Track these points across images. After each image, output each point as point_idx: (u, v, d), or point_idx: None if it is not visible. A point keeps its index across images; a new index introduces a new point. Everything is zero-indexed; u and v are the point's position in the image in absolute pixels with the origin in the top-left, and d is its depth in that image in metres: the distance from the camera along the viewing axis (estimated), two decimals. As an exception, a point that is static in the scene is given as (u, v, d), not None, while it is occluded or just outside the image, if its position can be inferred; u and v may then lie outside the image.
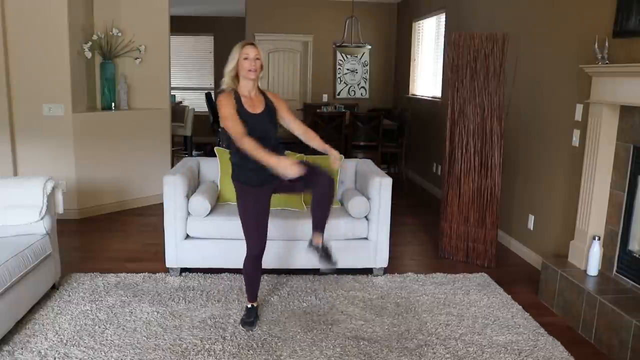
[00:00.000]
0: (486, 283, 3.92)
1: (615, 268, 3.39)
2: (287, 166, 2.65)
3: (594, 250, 3.38)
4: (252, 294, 3.22)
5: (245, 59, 2.85)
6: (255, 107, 2.92)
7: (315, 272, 3.92)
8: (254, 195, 2.96)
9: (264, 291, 3.65)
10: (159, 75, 5.88)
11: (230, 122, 2.80)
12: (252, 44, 2.92)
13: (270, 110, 2.97)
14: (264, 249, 3.08)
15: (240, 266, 3.82)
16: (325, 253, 3.03)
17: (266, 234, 3.07)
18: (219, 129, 3.07)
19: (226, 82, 2.91)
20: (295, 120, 3.11)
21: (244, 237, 3.06)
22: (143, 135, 5.71)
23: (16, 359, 2.75)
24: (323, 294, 3.64)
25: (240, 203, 3.01)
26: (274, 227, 3.65)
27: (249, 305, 3.22)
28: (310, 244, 3.07)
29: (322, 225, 3.02)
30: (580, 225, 3.60)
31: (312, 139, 3.09)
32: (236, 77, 2.90)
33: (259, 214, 3.00)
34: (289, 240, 3.83)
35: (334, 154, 3.03)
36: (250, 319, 3.16)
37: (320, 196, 2.96)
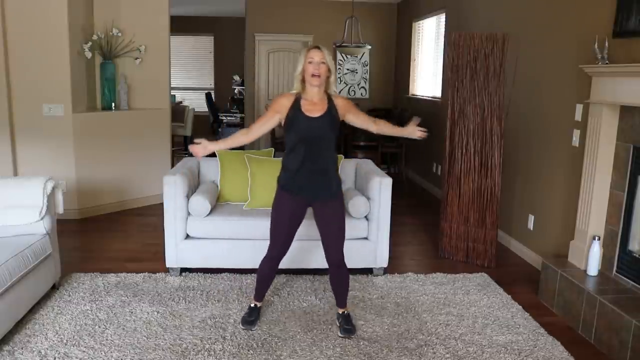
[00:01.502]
0: (486, 283, 3.92)
1: (615, 268, 3.39)
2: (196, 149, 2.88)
3: (594, 250, 3.38)
4: (259, 294, 3.22)
5: (310, 62, 2.82)
6: (315, 111, 2.87)
7: (315, 272, 3.92)
8: (289, 201, 2.96)
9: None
10: (159, 75, 5.89)
11: (262, 115, 3.00)
12: (318, 47, 2.86)
13: (331, 115, 2.88)
14: (284, 254, 3.09)
15: (240, 266, 3.86)
16: (346, 320, 3.14)
17: (290, 242, 3.07)
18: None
19: (295, 86, 2.93)
20: (363, 115, 3.11)
21: (267, 237, 3.07)
22: (143, 135, 5.71)
23: (16, 359, 2.75)
24: (323, 294, 3.64)
25: (274, 204, 3.01)
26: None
27: (252, 305, 3.22)
28: (337, 318, 3.21)
29: (343, 301, 3.19)
30: (580, 225, 3.60)
31: (383, 127, 3.12)
32: (303, 81, 2.88)
33: (288, 222, 3.00)
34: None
35: (408, 132, 3.10)
36: (251, 318, 3.16)
37: (331, 277, 3.15)
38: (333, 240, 3.02)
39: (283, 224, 3.00)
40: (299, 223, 3.04)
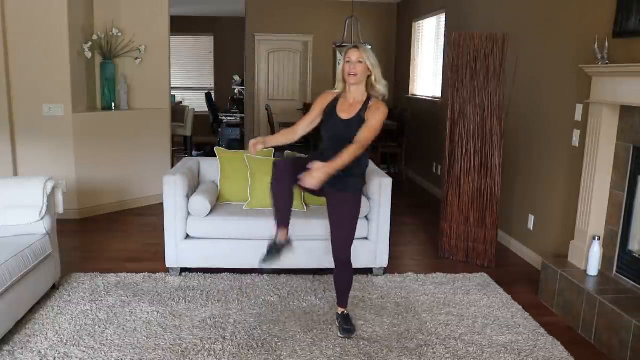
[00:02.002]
0: (486, 283, 3.92)
1: (615, 268, 3.39)
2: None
3: (594, 250, 3.38)
4: (279, 216, 2.86)
5: (347, 62, 2.82)
6: (348, 112, 2.86)
7: (315, 272, 3.92)
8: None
9: (264, 291, 3.65)
10: (159, 75, 5.88)
11: (307, 113, 3.02)
12: (357, 46, 2.85)
13: (359, 119, 2.83)
14: (286, 174, 2.79)
15: (240, 266, 3.86)
16: (345, 320, 3.13)
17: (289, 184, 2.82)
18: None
19: (338, 86, 2.95)
20: (364, 129, 2.82)
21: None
22: (143, 135, 5.71)
23: (16, 359, 2.75)
24: (323, 294, 3.64)
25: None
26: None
27: (272, 238, 2.92)
28: (336, 318, 3.20)
29: (344, 301, 3.18)
30: (580, 225, 3.60)
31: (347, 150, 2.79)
32: (344, 80, 2.88)
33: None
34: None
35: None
36: (271, 254, 2.90)
37: (335, 276, 3.14)
38: (343, 236, 2.99)
39: (282, 168, 2.79)
40: (291, 184, 2.78)
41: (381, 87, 2.87)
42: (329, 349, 2.94)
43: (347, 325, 3.10)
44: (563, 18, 4.01)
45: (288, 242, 2.95)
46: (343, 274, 3.12)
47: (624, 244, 3.34)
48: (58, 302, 3.39)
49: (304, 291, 3.68)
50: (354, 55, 2.82)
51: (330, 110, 2.92)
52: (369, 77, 2.86)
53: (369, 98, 2.89)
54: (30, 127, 5.04)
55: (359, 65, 2.81)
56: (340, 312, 3.18)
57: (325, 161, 2.71)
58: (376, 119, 2.83)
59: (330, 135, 2.92)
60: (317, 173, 2.61)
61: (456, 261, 4.42)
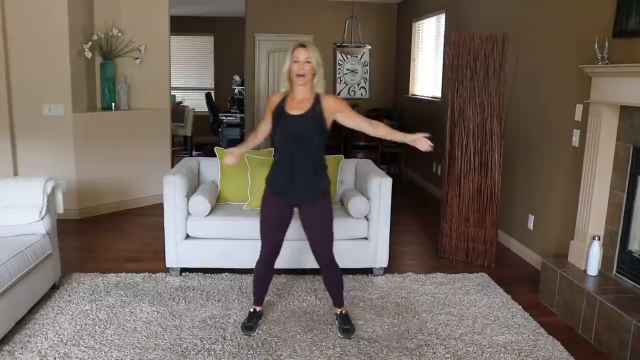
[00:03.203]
0: (486, 283, 3.92)
1: (615, 268, 3.39)
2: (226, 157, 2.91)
3: (594, 250, 3.38)
4: (258, 297, 3.18)
5: (295, 62, 2.79)
6: (298, 109, 2.82)
7: (315, 272, 3.92)
8: (275, 202, 2.94)
9: (264, 291, 3.65)
10: (159, 75, 5.89)
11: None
12: (304, 45, 2.81)
13: (314, 114, 2.81)
14: (276, 254, 3.07)
15: (240, 266, 3.86)
16: (344, 320, 3.12)
17: (280, 243, 3.05)
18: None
19: (283, 85, 2.90)
20: (356, 116, 2.97)
21: (259, 237, 3.06)
22: (143, 135, 5.71)
23: (16, 359, 2.75)
24: (323, 294, 3.64)
25: (261, 204, 3.01)
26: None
27: (252, 309, 3.19)
28: (336, 318, 3.19)
29: (339, 301, 3.16)
30: (580, 225, 3.60)
31: (382, 130, 2.98)
32: (290, 79, 2.85)
33: (275, 223, 2.98)
34: (289, 241, 3.81)
35: (412, 138, 2.89)
36: (250, 323, 3.11)
37: (324, 278, 3.14)
38: (319, 242, 2.99)
39: (270, 224, 2.98)
40: (286, 223, 3.01)
41: (321, 87, 2.87)
42: (329, 349, 2.94)
43: (346, 325, 3.09)
44: (563, 18, 4.01)
45: (262, 311, 3.25)
46: (333, 276, 3.09)
47: (624, 244, 3.34)
48: (58, 302, 3.39)
49: (304, 291, 3.68)
50: (302, 54, 2.77)
51: (279, 111, 2.86)
52: (313, 76, 2.82)
53: (317, 95, 2.87)
54: (30, 127, 5.04)
55: (307, 65, 2.78)
56: (338, 312, 3.17)
57: (283, 172, 2.86)
58: (348, 106, 2.96)
59: (283, 134, 2.85)
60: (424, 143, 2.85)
61: (456, 261, 4.42)
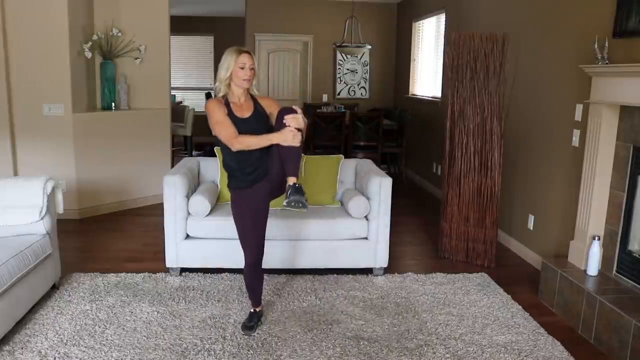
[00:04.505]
0: (486, 283, 3.92)
1: (615, 268, 3.39)
2: (290, 136, 2.75)
3: (593, 250, 3.38)
4: (254, 300, 3.20)
5: (242, 68, 2.85)
6: (244, 111, 2.92)
7: (315, 272, 3.92)
8: (248, 197, 2.95)
9: (264, 291, 3.64)
10: (159, 75, 5.88)
11: (221, 126, 2.84)
12: (248, 52, 2.90)
13: (259, 114, 2.96)
14: (261, 255, 3.08)
15: (241, 266, 3.84)
16: (296, 189, 2.81)
17: (263, 241, 3.06)
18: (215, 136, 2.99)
19: (222, 89, 2.91)
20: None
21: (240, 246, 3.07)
22: (143, 135, 5.71)
23: (16, 359, 2.75)
24: (323, 294, 3.64)
25: (235, 210, 3.01)
26: (275, 226, 3.65)
27: (252, 310, 3.21)
28: (286, 190, 2.86)
29: (295, 172, 2.87)
30: (580, 225, 3.60)
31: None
32: (230, 84, 2.91)
33: (254, 218, 2.98)
34: (289, 240, 3.83)
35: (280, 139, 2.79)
36: (251, 323, 3.13)
37: (288, 153, 2.82)
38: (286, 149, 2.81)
39: (250, 223, 2.98)
40: (264, 216, 3.03)
41: (255, 89, 3.00)
42: (329, 349, 2.94)
43: (298, 194, 2.79)
44: (563, 18, 4.01)
45: (262, 311, 3.27)
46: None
47: (624, 244, 3.34)
48: (58, 302, 3.39)
49: (304, 291, 3.68)
50: (248, 61, 2.86)
51: (231, 116, 2.88)
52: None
53: (252, 96, 2.99)
54: (30, 127, 5.04)
55: (251, 71, 2.87)
56: (291, 183, 2.81)
57: (247, 176, 2.90)
58: (277, 105, 2.99)
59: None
60: (294, 137, 2.76)
61: (456, 261, 4.42)
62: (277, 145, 2.82)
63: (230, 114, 2.89)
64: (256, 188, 2.95)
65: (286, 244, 3.83)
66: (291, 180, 2.87)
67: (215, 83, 2.97)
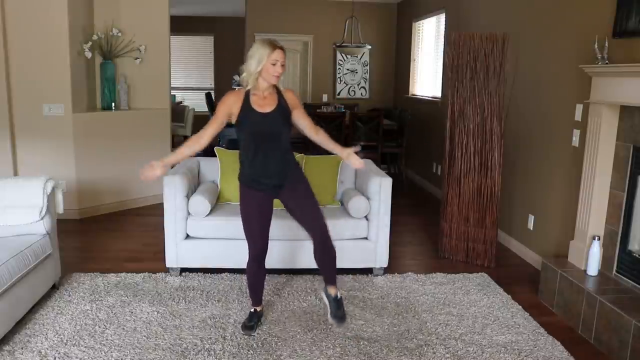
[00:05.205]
0: (486, 283, 3.92)
1: (615, 268, 3.39)
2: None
3: (593, 250, 3.38)
4: (255, 298, 3.19)
5: (273, 64, 2.77)
6: (266, 106, 2.83)
7: (315, 272, 3.92)
8: (255, 197, 2.94)
9: (264, 291, 3.63)
10: (159, 75, 5.88)
11: (210, 121, 2.87)
12: (282, 48, 2.79)
13: (282, 109, 2.86)
14: (264, 251, 3.05)
15: (240, 266, 3.83)
16: (337, 305, 3.00)
17: (267, 238, 3.04)
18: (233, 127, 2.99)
19: (250, 83, 2.82)
20: (306, 119, 2.99)
21: (245, 238, 3.05)
22: (143, 135, 5.71)
23: (16, 359, 2.75)
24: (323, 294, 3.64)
25: (241, 203, 2.99)
26: (275, 227, 3.64)
27: (252, 310, 3.20)
28: (325, 291, 3.05)
29: (333, 278, 3.02)
30: (580, 225, 3.60)
31: (323, 139, 2.99)
32: (259, 78, 2.82)
33: (258, 218, 2.97)
34: (289, 240, 3.83)
35: (344, 154, 2.93)
36: (251, 323, 3.12)
37: (319, 253, 2.97)
38: (311, 214, 2.93)
39: (254, 219, 2.96)
40: (269, 216, 3.00)
41: (280, 82, 2.92)
42: (329, 349, 2.94)
43: (340, 310, 2.96)
44: (563, 18, 4.01)
45: (262, 311, 3.26)
46: (327, 248, 2.96)
47: (624, 244, 3.34)
48: (58, 302, 3.39)
49: (304, 291, 3.68)
50: (281, 58, 2.77)
51: (246, 109, 2.82)
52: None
53: (277, 89, 2.90)
54: (30, 127, 5.04)
55: (282, 67, 2.81)
56: (333, 294, 2.99)
57: (259, 178, 2.86)
58: (300, 103, 2.98)
59: (255, 133, 2.83)
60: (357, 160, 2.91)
61: (456, 261, 4.43)
62: (303, 222, 2.96)
63: (249, 109, 2.81)
64: (265, 194, 2.93)
65: (286, 244, 3.83)
66: (332, 290, 3.00)
67: (242, 74, 2.84)
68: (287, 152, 2.93)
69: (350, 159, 2.93)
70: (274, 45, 2.77)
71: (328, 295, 3.04)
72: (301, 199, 2.96)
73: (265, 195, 2.94)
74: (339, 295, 3.02)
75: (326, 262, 3.00)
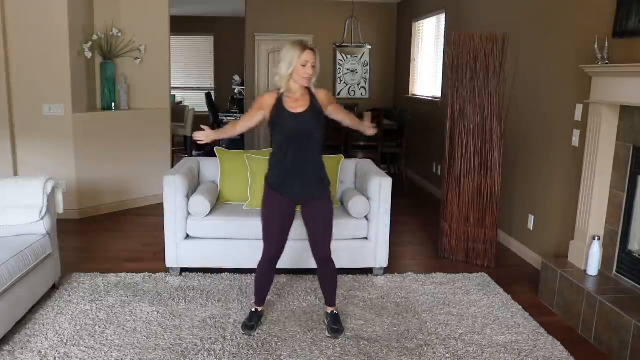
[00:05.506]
0: (486, 283, 3.92)
1: (615, 268, 3.39)
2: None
3: (593, 250, 3.38)
4: (259, 298, 3.19)
5: (303, 66, 2.79)
6: (298, 106, 2.86)
7: (315, 272, 3.91)
8: (278, 200, 2.95)
9: (264, 291, 3.65)
10: (159, 75, 5.89)
11: (248, 110, 3.01)
12: (312, 49, 2.81)
13: (315, 110, 2.88)
14: (279, 255, 3.07)
15: (241, 266, 3.86)
16: (334, 320, 3.13)
17: (284, 242, 3.05)
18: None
19: (283, 85, 2.86)
20: (341, 110, 3.05)
21: (262, 238, 3.07)
22: (143, 135, 5.71)
23: (16, 359, 2.75)
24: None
25: (264, 203, 3.01)
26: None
27: (253, 309, 3.19)
28: (325, 317, 3.21)
29: (332, 299, 3.18)
30: (580, 225, 3.60)
31: (353, 124, 3.09)
32: (290, 80, 2.85)
33: (279, 221, 2.99)
34: (289, 241, 3.82)
35: (363, 127, 3.06)
36: (252, 322, 3.12)
37: (323, 277, 3.15)
38: (321, 237, 3.02)
39: (275, 223, 2.98)
40: (290, 221, 3.03)
41: (313, 83, 2.95)
42: (329, 349, 2.94)
43: (335, 325, 3.10)
44: (563, 18, 4.01)
45: (262, 311, 3.27)
46: (329, 272, 3.11)
47: (624, 244, 3.34)
48: (58, 302, 3.39)
49: (304, 291, 3.68)
50: (312, 59, 2.80)
51: (279, 109, 2.86)
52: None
53: (309, 90, 2.92)
54: (30, 127, 5.04)
55: (312, 69, 2.83)
56: (329, 312, 3.17)
57: (286, 181, 2.90)
58: (333, 99, 3.05)
59: (288, 133, 2.86)
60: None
61: (456, 261, 4.43)
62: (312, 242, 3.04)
63: (282, 109, 2.85)
64: (288, 198, 2.94)
65: (287, 245, 3.82)
66: (329, 309, 3.17)
67: (275, 77, 2.89)
68: (317, 154, 2.95)
69: (367, 129, 3.06)
70: (303, 46, 2.79)
71: (325, 313, 3.21)
72: (319, 224, 3.02)
73: (289, 200, 2.95)
74: (335, 312, 3.19)
75: (326, 284, 3.17)
